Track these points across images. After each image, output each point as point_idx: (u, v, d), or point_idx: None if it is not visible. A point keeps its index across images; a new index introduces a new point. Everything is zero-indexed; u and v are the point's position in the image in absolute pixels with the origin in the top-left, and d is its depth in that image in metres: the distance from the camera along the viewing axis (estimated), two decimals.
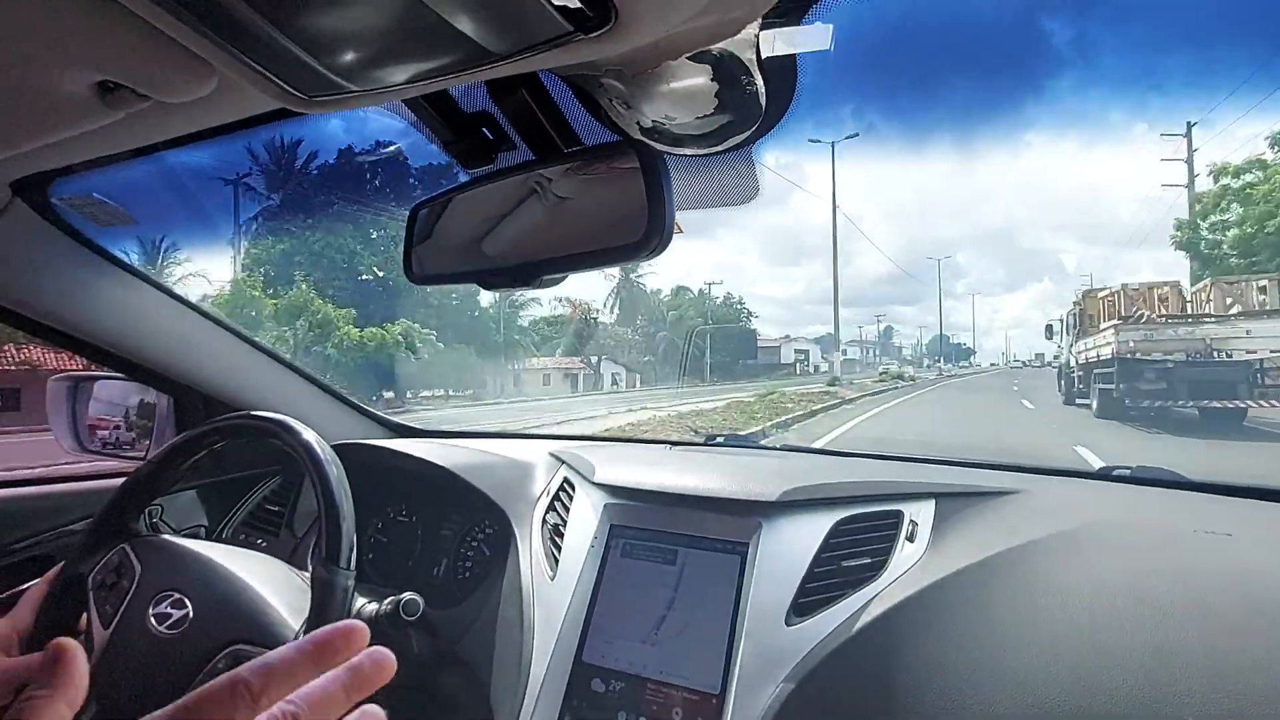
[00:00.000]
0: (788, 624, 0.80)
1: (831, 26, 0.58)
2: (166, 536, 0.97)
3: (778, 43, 0.53)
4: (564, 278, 0.61)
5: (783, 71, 0.52)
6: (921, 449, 1.34)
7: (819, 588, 0.82)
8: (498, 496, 1.06)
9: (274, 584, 0.86)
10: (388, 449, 1.19)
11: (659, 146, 0.60)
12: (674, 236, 0.53)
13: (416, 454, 1.15)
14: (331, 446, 0.85)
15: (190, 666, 0.74)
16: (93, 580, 0.82)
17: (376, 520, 1.21)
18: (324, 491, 0.79)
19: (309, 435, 0.82)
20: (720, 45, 0.49)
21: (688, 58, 0.50)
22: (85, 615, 0.80)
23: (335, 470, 0.80)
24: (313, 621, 0.74)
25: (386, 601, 0.81)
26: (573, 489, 1.05)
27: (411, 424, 1.54)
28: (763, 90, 0.53)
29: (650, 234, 0.51)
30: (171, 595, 0.80)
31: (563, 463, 1.13)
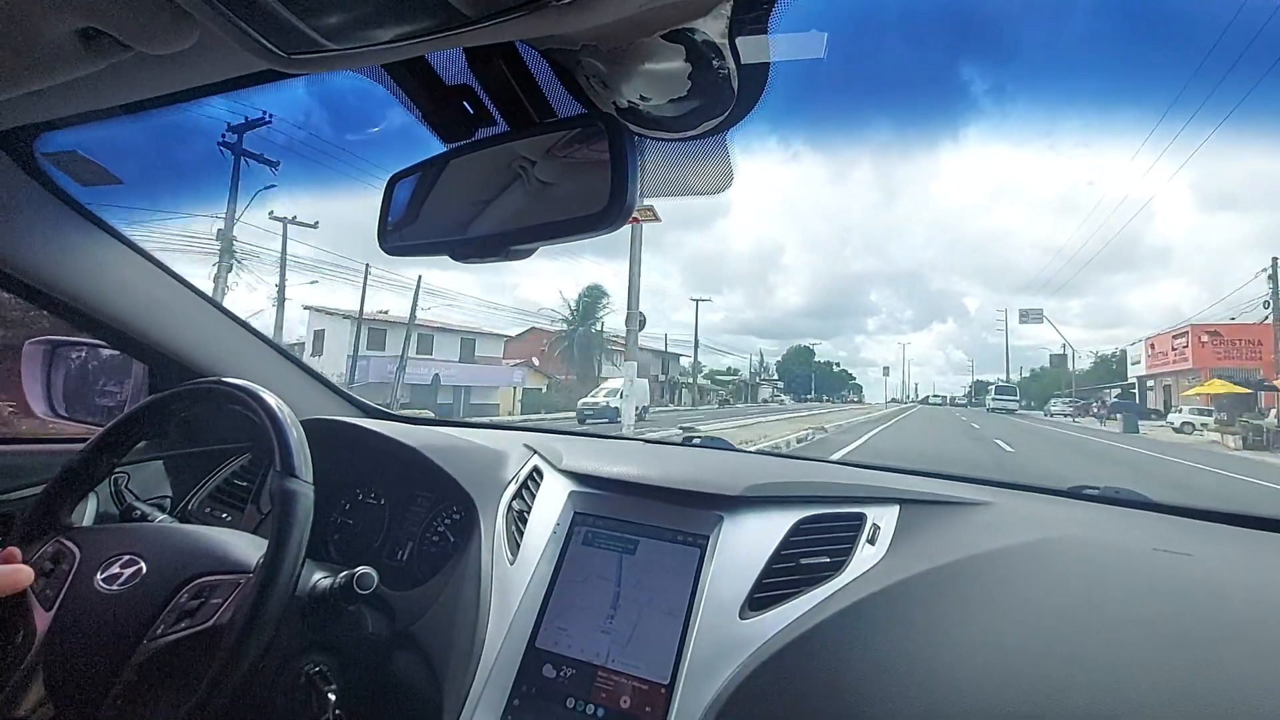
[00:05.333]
0: (741, 617, 0.80)
1: (825, 35, 0.59)
2: (103, 525, 0.96)
3: (759, 50, 0.54)
4: (534, 249, 0.61)
5: (754, 58, 0.53)
6: (892, 460, 1.35)
7: (776, 583, 0.82)
8: (466, 481, 1.06)
9: (232, 532, 0.86)
10: (359, 427, 1.19)
11: (635, 129, 0.61)
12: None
13: (387, 434, 1.15)
14: (303, 421, 0.85)
15: (152, 608, 0.74)
16: None
17: (344, 501, 1.20)
18: (275, 429, 0.80)
19: (272, 400, 0.82)
20: (694, 24, 0.50)
21: (662, 36, 0.51)
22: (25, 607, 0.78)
23: (296, 432, 0.80)
24: (276, 534, 0.73)
25: (341, 575, 0.81)
26: (541, 476, 1.05)
27: (387, 409, 1.53)
28: (735, 75, 0.54)
29: (612, 205, 0.52)
30: (121, 558, 0.80)
31: (534, 452, 1.13)
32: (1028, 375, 55.98)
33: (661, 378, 39.55)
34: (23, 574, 0.77)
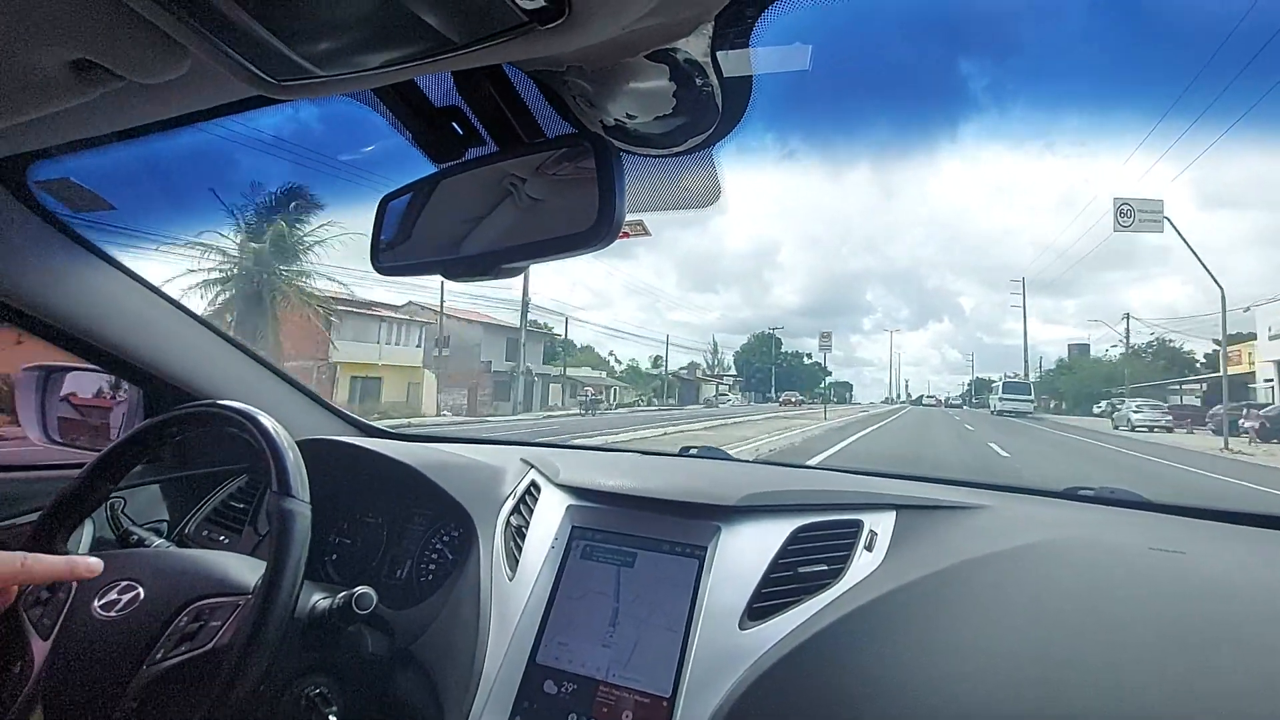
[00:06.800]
0: (741, 628, 0.80)
1: (810, 48, 0.60)
2: (100, 552, 0.95)
3: (741, 66, 0.56)
4: (525, 267, 0.62)
5: (737, 74, 0.54)
6: (887, 465, 1.35)
7: (775, 593, 0.82)
8: (463, 498, 1.06)
9: (229, 555, 0.86)
10: (356, 446, 1.19)
11: (622, 146, 0.62)
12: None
13: (384, 453, 1.15)
14: (299, 442, 0.86)
15: (151, 633, 0.74)
16: (24, 601, 0.80)
17: (342, 521, 1.20)
18: (271, 450, 0.80)
19: (267, 421, 0.82)
20: (676, 44, 0.51)
21: (646, 56, 0.52)
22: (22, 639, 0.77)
23: (292, 453, 0.80)
24: (275, 555, 0.73)
25: (340, 596, 0.81)
26: (538, 491, 1.05)
27: (383, 426, 1.53)
28: (719, 91, 0.55)
29: (600, 224, 0.53)
30: (118, 584, 0.79)
31: (531, 466, 1.13)
32: (1052, 369, 41.56)
33: (499, 367, 26.17)
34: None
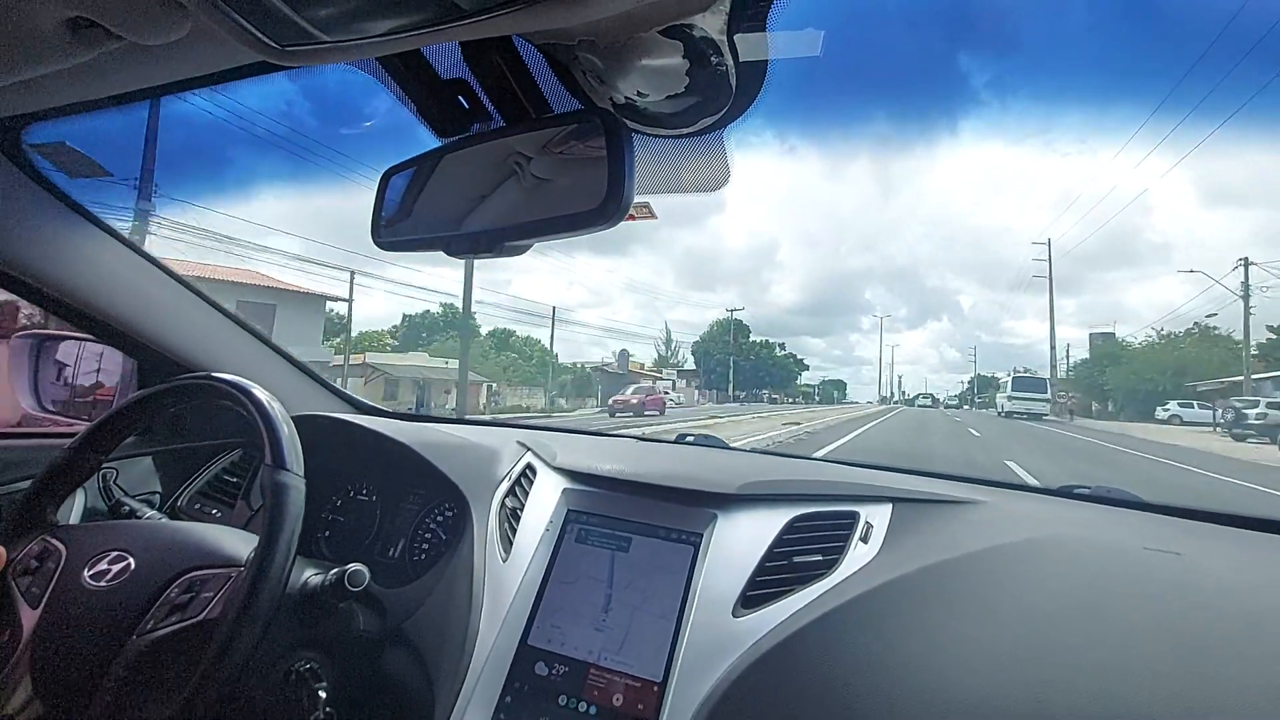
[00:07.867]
0: (735, 615, 0.80)
1: (822, 33, 0.59)
2: (91, 523, 0.95)
3: (758, 47, 0.54)
4: (529, 245, 0.61)
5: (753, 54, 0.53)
6: (885, 458, 1.35)
7: (769, 581, 0.82)
8: (458, 478, 1.05)
9: (222, 527, 0.85)
10: (352, 423, 1.18)
11: (632, 125, 0.61)
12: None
13: (380, 431, 1.15)
14: (295, 417, 0.85)
15: (141, 603, 0.73)
16: (13, 569, 0.80)
17: (335, 498, 1.20)
18: (266, 423, 0.80)
19: (262, 395, 0.82)
20: (692, 20, 0.49)
21: (660, 32, 0.51)
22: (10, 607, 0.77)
23: (286, 427, 0.79)
24: (268, 527, 0.73)
25: (332, 572, 0.80)
26: (534, 474, 1.05)
27: (379, 405, 1.53)
28: (733, 71, 0.54)
29: (609, 202, 0.52)
30: (109, 554, 0.79)
31: (528, 449, 1.12)
32: (1085, 360, 33.45)
33: None
34: None
